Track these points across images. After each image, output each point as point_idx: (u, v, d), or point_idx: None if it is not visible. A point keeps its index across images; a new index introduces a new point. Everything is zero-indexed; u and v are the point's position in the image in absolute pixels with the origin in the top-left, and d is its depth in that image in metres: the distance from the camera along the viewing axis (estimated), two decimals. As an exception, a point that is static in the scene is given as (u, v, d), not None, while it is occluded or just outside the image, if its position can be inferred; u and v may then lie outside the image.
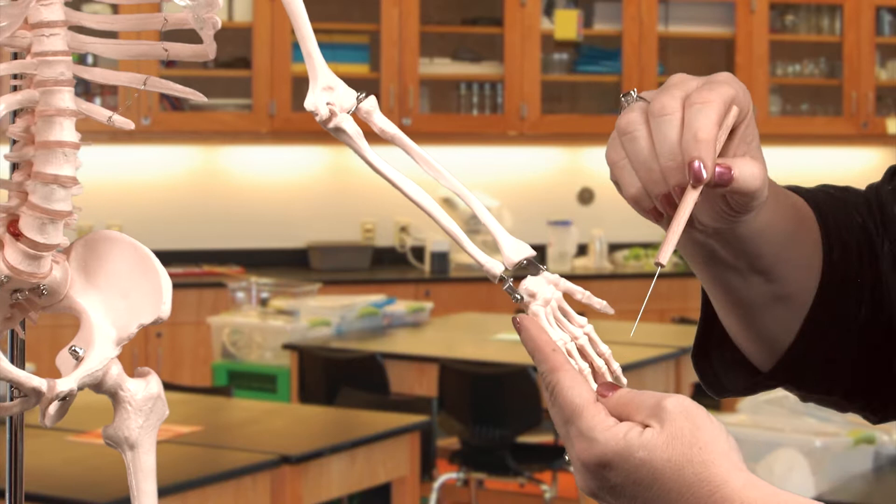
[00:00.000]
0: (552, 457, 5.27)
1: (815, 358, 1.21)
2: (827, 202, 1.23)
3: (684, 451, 0.93)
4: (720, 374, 1.27)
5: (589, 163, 7.85)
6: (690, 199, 1.02)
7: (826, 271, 1.20)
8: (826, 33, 8.08)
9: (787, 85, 8.10)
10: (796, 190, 1.23)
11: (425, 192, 1.07)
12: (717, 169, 1.03)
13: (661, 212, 1.05)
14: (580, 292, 1.04)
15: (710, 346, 1.27)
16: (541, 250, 7.65)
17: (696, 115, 1.02)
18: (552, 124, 7.58)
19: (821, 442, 3.50)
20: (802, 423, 3.71)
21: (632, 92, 1.07)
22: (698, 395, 5.96)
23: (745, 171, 1.04)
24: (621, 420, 0.96)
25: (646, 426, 0.94)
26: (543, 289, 1.03)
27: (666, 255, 1.01)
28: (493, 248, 1.06)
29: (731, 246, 1.15)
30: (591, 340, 1.02)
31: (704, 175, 1.01)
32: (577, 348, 1.01)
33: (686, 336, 5.84)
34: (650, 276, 8.40)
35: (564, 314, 1.03)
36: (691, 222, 1.09)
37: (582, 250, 7.66)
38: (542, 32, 7.55)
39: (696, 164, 1.01)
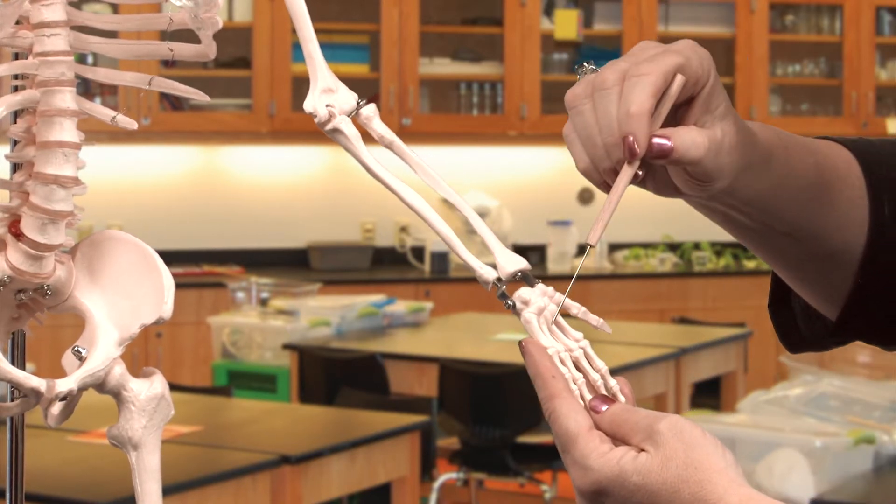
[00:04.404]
0: (552, 457, 5.27)
1: (876, 313, 1.17)
2: (882, 154, 1.18)
3: (679, 472, 0.92)
4: (801, 320, 1.24)
5: (589, 163, 7.84)
6: (626, 175, 1.00)
7: (874, 229, 1.16)
8: (826, 33, 8.08)
9: (787, 85, 8.10)
10: (846, 143, 1.18)
11: (421, 196, 1.07)
12: (656, 141, 1.00)
13: (610, 185, 1.03)
14: (576, 307, 1.03)
15: (790, 291, 1.23)
16: (541, 250, 7.65)
17: (631, 89, 1.00)
18: (552, 124, 7.58)
19: (821, 442, 3.50)
20: (802, 423, 3.71)
21: (585, 63, 1.05)
22: (698, 394, 5.97)
23: (685, 141, 1.01)
24: (617, 440, 0.96)
25: (641, 450, 0.94)
26: (537, 298, 1.02)
27: (596, 235, 1.00)
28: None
29: (741, 210, 1.11)
30: (586, 355, 1.01)
31: (638, 150, 0.99)
32: (573, 361, 1.00)
33: (686, 336, 5.84)
34: (650, 276, 8.41)
35: (560, 328, 1.02)
36: (676, 190, 1.08)
37: (582, 250, 7.66)
38: (542, 32, 7.55)
39: (630, 139, 0.99)
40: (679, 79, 1.01)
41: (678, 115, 1.04)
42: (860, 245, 1.16)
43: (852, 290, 1.17)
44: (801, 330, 1.24)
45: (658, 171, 1.07)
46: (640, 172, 1.01)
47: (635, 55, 1.02)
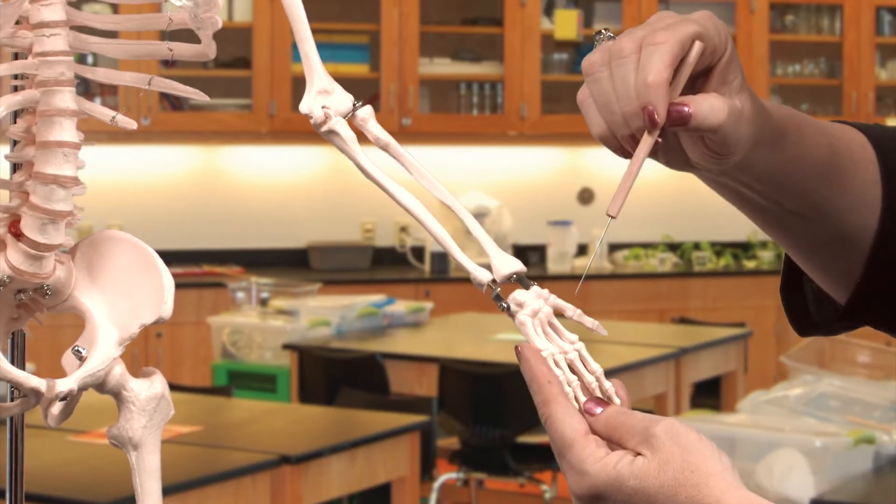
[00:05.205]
0: (552, 457, 5.26)
1: (885, 299, 1.17)
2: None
3: (676, 475, 0.92)
4: (812, 303, 1.23)
5: (589, 163, 7.85)
6: (646, 144, 1.00)
7: (886, 215, 1.15)
8: (826, 33, 8.08)
9: (787, 85, 8.10)
10: (861, 127, 1.18)
11: (416, 198, 1.06)
12: (674, 108, 1.00)
13: (628, 150, 1.03)
14: (570, 309, 1.03)
15: (802, 274, 1.23)
16: (541, 250, 7.65)
17: (648, 58, 0.99)
18: (552, 124, 7.58)
19: (821, 442, 3.49)
20: (802, 423, 3.71)
21: (602, 30, 1.05)
22: (698, 394, 5.96)
23: (702, 108, 1.01)
24: (612, 443, 0.96)
25: (637, 454, 0.94)
26: (532, 301, 1.02)
27: (617, 206, 0.99)
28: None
29: (753, 187, 1.11)
30: (581, 358, 1.01)
31: (658, 120, 0.99)
32: (567, 363, 1.00)
33: (686, 336, 5.84)
34: (650, 276, 8.38)
35: (555, 330, 1.02)
36: (687, 163, 1.07)
37: (582, 250, 7.67)
38: (542, 32, 7.55)
39: (650, 109, 0.99)
40: (697, 46, 1.01)
41: (696, 86, 1.04)
42: (871, 229, 1.16)
43: (862, 274, 1.16)
44: (812, 314, 1.24)
45: (671, 143, 1.06)
46: (660, 140, 1.01)
47: (652, 24, 1.02)
